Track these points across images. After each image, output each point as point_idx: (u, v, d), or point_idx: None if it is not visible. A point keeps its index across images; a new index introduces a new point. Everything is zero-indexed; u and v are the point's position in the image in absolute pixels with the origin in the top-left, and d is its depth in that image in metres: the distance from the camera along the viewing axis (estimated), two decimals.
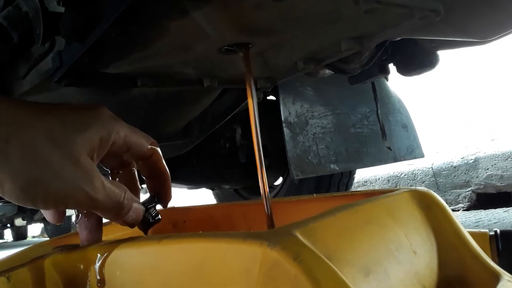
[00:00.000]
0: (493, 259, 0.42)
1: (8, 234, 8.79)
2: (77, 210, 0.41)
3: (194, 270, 0.32)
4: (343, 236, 0.34)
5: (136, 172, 0.45)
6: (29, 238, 7.96)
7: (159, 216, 0.43)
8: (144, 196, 0.44)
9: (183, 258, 0.33)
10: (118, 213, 0.39)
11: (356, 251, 0.33)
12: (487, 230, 0.50)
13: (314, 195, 0.56)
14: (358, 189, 2.88)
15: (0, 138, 0.33)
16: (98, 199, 0.36)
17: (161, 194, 0.45)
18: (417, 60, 0.90)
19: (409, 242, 0.38)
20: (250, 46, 0.53)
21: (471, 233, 0.44)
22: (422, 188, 0.45)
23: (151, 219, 0.42)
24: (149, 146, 0.42)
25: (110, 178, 0.44)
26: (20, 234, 7.59)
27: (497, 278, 0.38)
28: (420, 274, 0.37)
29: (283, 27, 0.50)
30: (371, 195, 0.47)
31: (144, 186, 0.46)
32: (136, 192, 0.44)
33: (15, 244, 6.45)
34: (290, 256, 0.28)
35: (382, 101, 1.39)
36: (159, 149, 0.44)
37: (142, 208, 0.41)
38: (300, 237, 0.30)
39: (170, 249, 0.34)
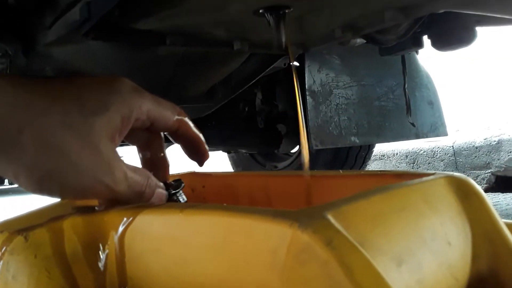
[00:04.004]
0: None
1: None
2: None
3: (216, 244, 0.31)
4: (376, 221, 0.32)
5: (164, 149, 0.43)
6: None
7: (185, 199, 0.43)
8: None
9: (205, 231, 0.32)
10: (138, 201, 0.37)
11: (389, 239, 0.32)
12: None
13: (340, 171, 0.54)
14: (374, 163, 2.86)
15: (13, 128, 0.31)
16: (119, 191, 0.35)
17: (197, 157, 0.44)
18: (455, 35, 0.86)
19: (444, 231, 0.36)
20: (290, 9, 0.50)
21: (506, 224, 0.42)
22: (459, 174, 0.42)
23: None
24: (175, 118, 0.40)
25: (138, 153, 0.43)
26: None
27: None
28: (454, 267, 0.35)
29: None
30: (402, 176, 0.44)
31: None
32: (164, 170, 0.42)
33: None
34: (323, 240, 0.26)
35: (410, 75, 1.35)
36: (186, 118, 0.41)
37: (165, 193, 0.40)
38: (333, 221, 0.29)
39: (193, 219, 0.33)
